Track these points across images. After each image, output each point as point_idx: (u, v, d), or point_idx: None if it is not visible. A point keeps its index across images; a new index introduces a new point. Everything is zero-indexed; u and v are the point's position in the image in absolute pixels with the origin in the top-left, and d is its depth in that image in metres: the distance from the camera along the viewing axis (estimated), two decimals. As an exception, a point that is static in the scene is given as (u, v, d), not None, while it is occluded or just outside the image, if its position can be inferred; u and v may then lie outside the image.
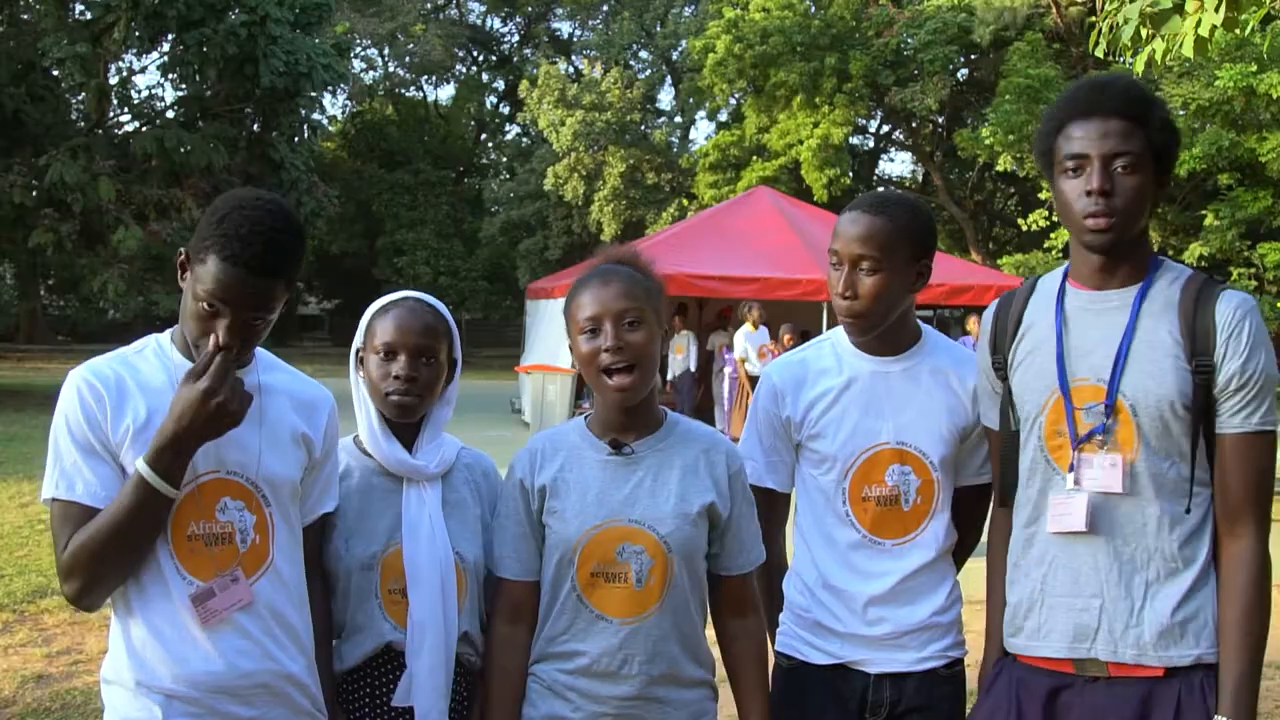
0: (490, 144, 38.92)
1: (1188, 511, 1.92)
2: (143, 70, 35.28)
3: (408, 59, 35.49)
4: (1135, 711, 1.90)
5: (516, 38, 39.04)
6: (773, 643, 2.37)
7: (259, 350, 2.01)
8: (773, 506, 2.32)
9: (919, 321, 2.32)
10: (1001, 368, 2.13)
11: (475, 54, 38.01)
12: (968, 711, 2.26)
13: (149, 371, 1.91)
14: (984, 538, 2.34)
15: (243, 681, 1.89)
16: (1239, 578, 1.89)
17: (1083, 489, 1.95)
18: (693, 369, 14.23)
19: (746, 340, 12.77)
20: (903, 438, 2.23)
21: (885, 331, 2.25)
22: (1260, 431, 1.90)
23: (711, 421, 13.14)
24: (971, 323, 13.66)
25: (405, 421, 2.15)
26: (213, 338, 1.82)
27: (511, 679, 2.07)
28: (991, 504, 2.24)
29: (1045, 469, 2.02)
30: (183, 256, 1.89)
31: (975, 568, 2.33)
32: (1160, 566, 1.92)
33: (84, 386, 1.86)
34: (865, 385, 2.26)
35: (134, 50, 18.09)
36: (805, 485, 2.32)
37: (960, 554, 2.39)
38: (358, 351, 2.19)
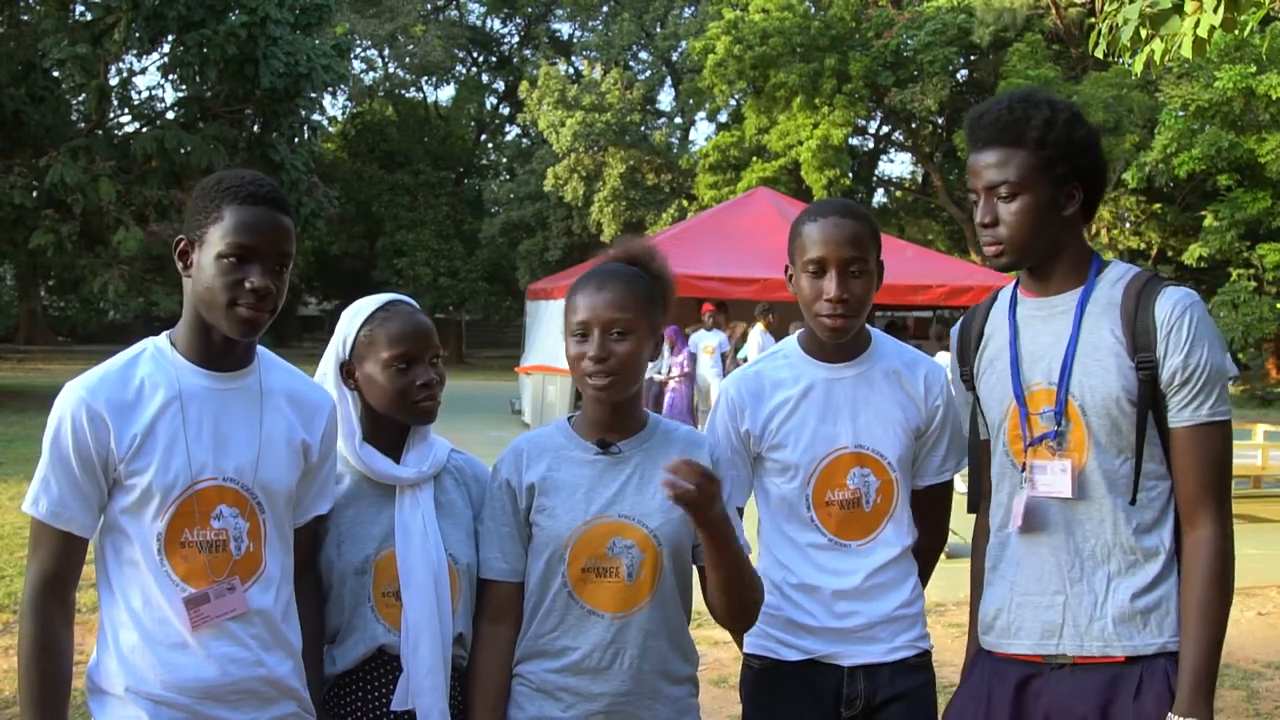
0: (490, 145, 38.87)
1: (1132, 503, 1.96)
2: (143, 71, 35.30)
3: (408, 60, 35.44)
4: (1100, 695, 1.96)
5: (516, 38, 39.06)
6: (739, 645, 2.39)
7: (260, 350, 2.01)
8: None
9: (867, 326, 2.35)
10: (969, 378, 2.19)
11: (475, 55, 37.98)
12: (939, 703, 2.31)
13: (150, 378, 1.90)
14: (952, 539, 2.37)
15: (233, 687, 1.89)
16: (1198, 568, 1.93)
17: (1037, 490, 2.01)
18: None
19: (761, 337, 12.69)
20: (861, 441, 2.27)
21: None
22: (1210, 422, 1.93)
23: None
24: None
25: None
26: (247, 283, 1.84)
27: (496, 677, 2.08)
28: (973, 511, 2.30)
29: (1011, 473, 2.08)
30: (182, 244, 1.90)
31: (962, 569, 2.36)
32: (1121, 560, 1.97)
33: (84, 413, 1.83)
34: (822, 392, 2.29)
35: (134, 51, 18.08)
36: (767, 494, 2.34)
37: (929, 557, 2.43)
38: (343, 364, 2.16)
